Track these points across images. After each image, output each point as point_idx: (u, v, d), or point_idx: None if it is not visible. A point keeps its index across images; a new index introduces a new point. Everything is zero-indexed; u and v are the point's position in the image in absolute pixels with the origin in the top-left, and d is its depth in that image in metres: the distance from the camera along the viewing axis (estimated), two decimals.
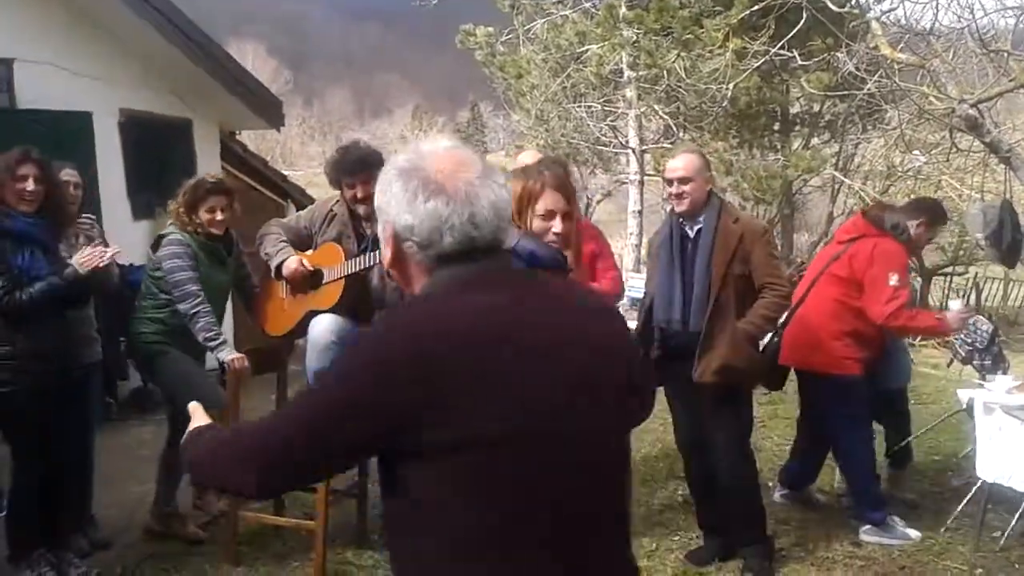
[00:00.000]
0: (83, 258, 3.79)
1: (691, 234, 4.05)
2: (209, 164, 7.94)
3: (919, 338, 10.36)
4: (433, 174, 1.46)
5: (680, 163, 4.02)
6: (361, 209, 4.09)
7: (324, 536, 4.04)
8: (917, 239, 4.71)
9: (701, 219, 4.01)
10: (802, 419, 5.11)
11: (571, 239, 2.61)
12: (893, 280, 4.29)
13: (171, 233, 4.29)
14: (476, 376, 1.38)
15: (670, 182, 4.03)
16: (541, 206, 2.58)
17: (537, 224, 2.56)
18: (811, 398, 4.85)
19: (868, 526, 4.58)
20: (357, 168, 4.06)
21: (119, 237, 4.69)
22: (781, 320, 4.78)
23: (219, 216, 4.32)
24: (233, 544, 4.22)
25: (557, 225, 2.56)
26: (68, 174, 4.36)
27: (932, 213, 4.80)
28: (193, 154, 8.07)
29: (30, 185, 3.75)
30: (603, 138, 15.27)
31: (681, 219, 4.08)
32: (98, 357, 4.22)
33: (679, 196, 3.99)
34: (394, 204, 1.47)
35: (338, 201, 4.24)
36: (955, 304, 5.32)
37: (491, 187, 1.48)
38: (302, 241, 4.29)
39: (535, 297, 1.52)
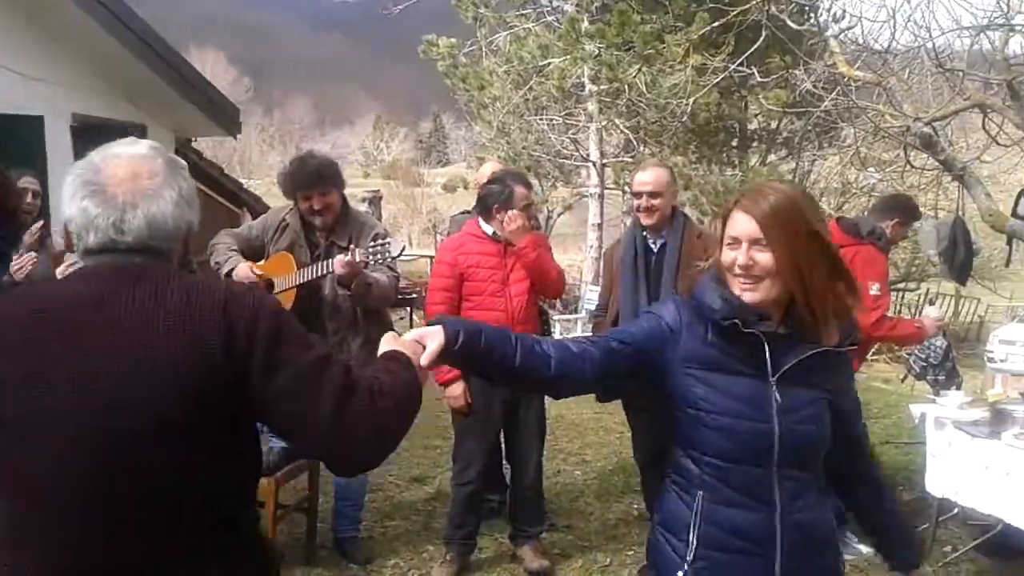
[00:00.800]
0: (16, 265, 3.73)
1: (654, 248, 4.04)
2: None
3: (871, 352, 10.47)
4: (101, 177, 1.60)
5: (650, 177, 4.01)
6: (318, 220, 4.02)
7: None
8: (893, 238, 4.68)
9: (664, 234, 4.02)
10: None
11: (770, 279, 1.93)
12: (874, 289, 4.28)
13: None
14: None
15: (639, 195, 4.01)
16: (727, 232, 2.00)
17: (724, 256, 1.99)
18: None
19: None
20: (313, 182, 3.98)
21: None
22: None
23: None
24: None
25: (741, 256, 1.94)
26: (27, 182, 4.33)
27: (905, 210, 4.73)
28: None
29: None
30: (564, 151, 15.32)
31: (645, 232, 4.07)
32: None
33: (648, 209, 3.98)
34: (64, 195, 1.61)
35: (291, 210, 4.16)
36: (931, 311, 5.39)
37: (157, 200, 1.61)
38: (254, 251, 4.20)
39: (109, 299, 1.54)
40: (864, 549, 4.57)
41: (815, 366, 1.95)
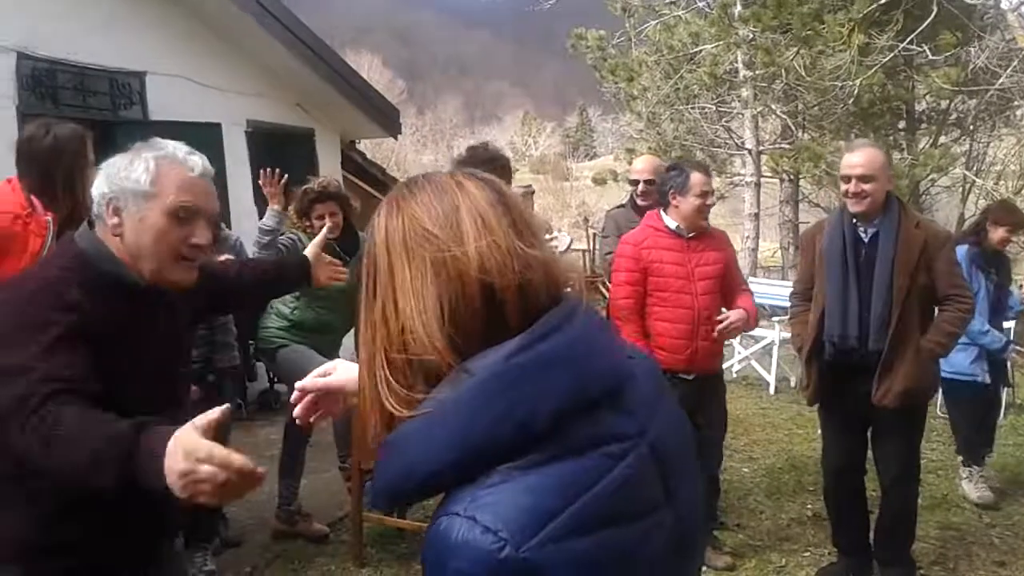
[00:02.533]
0: None
1: (865, 238, 3.72)
2: (330, 172, 8.12)
3: None
4: None
5: (860, 159, 3.66)
6: None
7: None
8: None
9: (877, 222, 3.69)
10: None
11: None
12: None
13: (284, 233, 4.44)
14: None
15: (847, 179, 3.68)
16: None
17: None
18: None
19: None
20: (486, 168, 4.05)
21: (247, 244, 4.82)
22: None
23: (327, 222, 4.44)
24: (359, 545, 4.28)
25: None
26: None
27: None
28: (315, 163, 8.28)
29: None
30: (717, 139, 14.99)
31: (855, 221, 3.75)
32: (235, 362, 4.36)
33: (858, 195, 3.63)
34: None
35: None
36: None
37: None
38: None
39: None
40: None
41: None
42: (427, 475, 0.95)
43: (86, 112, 6.14)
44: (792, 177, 15.71)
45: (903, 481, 3.87)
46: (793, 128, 13.71)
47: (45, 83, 6.04)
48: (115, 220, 1.88)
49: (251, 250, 4.41)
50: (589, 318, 1.04)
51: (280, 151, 7.71)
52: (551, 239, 3.75)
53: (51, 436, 1.52)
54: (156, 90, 6.82)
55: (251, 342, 5.47)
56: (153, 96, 6.81)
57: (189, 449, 1.37)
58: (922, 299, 3.65)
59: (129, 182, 1.86)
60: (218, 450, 1.37)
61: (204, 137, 6.98)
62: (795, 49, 11.72)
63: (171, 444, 1.40)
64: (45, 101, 5.99)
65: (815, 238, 3.99)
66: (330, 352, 4.62)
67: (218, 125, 7.18)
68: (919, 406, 3.83)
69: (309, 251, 2.81)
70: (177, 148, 1.93)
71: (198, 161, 1.94)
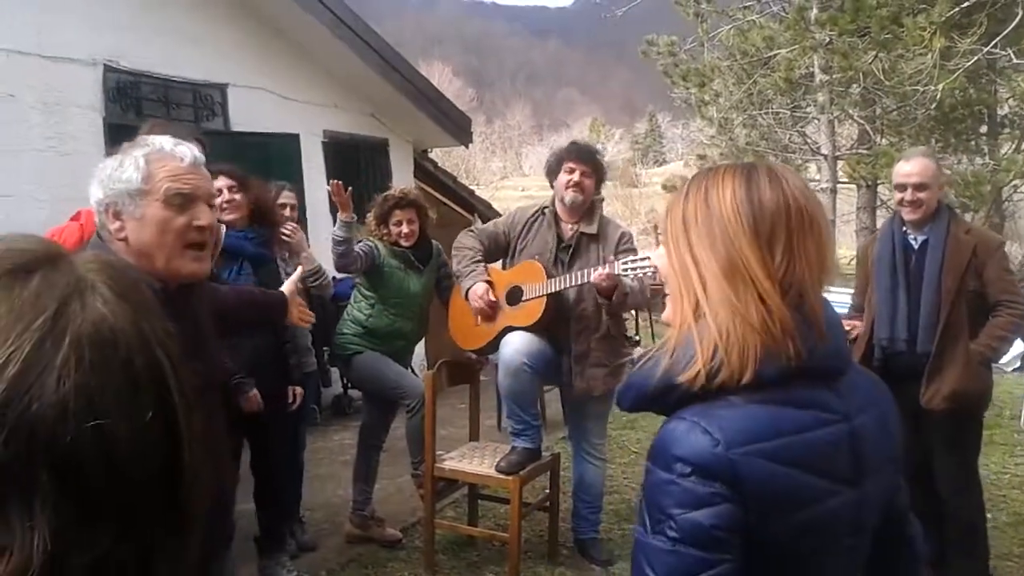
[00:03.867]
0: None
1: (915, 245, 3.75)
2: (403, 181, 8.23)
3: None
4: None
5: (916, 167, 3.69)
6: (569, 194, 4.13)
7: (517, 548, 4.06)
8: None
9: (927, 229, 3.71)
10: None
11: None
12: None
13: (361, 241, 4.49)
14: None
15: (902, 187, 3.71)
16: None
17: None
18: None
19: None
20: (579, 152, 4.23)
21: (323, 250, 4.88)
22: None
23: (405, 228, 4.49)
24: (431, 552, 4.31)
25: None
26: (286, 196, 4.48)
27: None
28: (389, 171, 8.40)
29: (224, 195, 3.83)
30: (791, 145, 14.74)
31: (905, 228, 3.78)
32: (312, 367, 4.44)
33: (914, 203, 3.67)
34: None
35: (541, 211, 4.28)
36: None
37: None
38: (499, 248, 4.35)
39: None
40: None
41: None
42: (666, 383, 1.17)
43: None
44: (870, 183, 15.38)
45: (960, 493, 3.79)
46: (871, 133, 13.41)
47: (130, 95, 6.25)
48: (117, 224, 1.89)
49: (330, 259, 4.47)
50: (835, 312, 1.26)
51: (355, 160, 7.85)
52: (641, 258, 3.75)
53: None
54: (237, 102, 7.00)
55: (325, 348, 5.57)
56: (234, 107, 6.99)
57: None
58: (972, 304, 3.63)
59: (122, 183, 1.87)
60: None
61: (283, 147, 7.14)
62: (873, 53, 11.47)
63: None
64: (130, 112, 6.19)
65: (868, 249, 4.05)
66: (403, 358, 4.68)
67: (296, 135, 7.33)
68: (971, 416, 3.77)
69: (286, 287, 2.85)
70: (164, 142, 1.93)
71: (187, 151, 1.93)
